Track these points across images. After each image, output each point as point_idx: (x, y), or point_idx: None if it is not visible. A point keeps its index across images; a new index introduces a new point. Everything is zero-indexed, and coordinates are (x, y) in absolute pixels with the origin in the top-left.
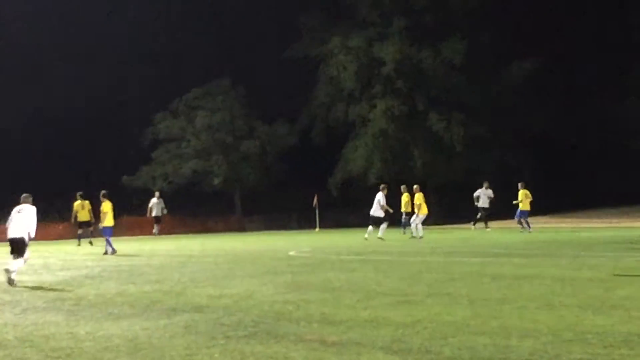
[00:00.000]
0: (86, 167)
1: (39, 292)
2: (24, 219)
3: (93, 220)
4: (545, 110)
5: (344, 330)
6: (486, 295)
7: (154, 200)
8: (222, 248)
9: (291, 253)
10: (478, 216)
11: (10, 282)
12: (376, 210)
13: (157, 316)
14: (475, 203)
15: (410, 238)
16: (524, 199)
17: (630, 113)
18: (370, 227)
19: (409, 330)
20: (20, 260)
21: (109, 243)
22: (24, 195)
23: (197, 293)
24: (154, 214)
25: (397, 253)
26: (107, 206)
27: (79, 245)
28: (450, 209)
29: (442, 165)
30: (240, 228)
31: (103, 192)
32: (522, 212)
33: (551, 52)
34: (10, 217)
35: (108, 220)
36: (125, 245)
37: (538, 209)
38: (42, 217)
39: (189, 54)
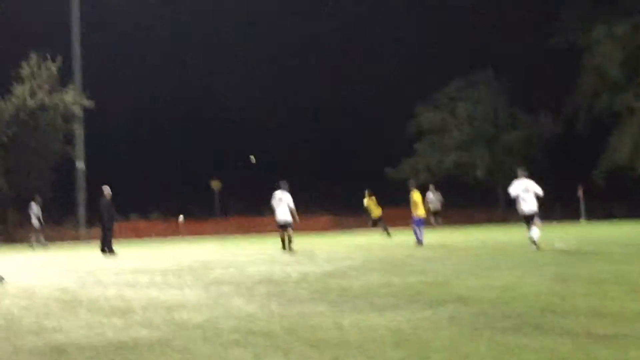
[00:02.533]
0: (351, 159)
1: (303, 284)
2: (287, 204)
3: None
4: None
5: (612, 323)
6: None
7: (430, 195)
8: (485, 240)
9: (556, 245)
10: None
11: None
12: None
13: (420, 307)
14: None
15: None
16: None
17: None
18: None
19: None
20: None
21: (415, 233)
22: (282, 181)
23: (460, 284)
24: (432, 208)
25: None
26: (417, 195)
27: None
28: None
29: None
30: (504, 219)
31: (410, 180)
32: None
33: None
34: (274, 202)
35: (420, 210)
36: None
37: None
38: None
39: (449, 46)
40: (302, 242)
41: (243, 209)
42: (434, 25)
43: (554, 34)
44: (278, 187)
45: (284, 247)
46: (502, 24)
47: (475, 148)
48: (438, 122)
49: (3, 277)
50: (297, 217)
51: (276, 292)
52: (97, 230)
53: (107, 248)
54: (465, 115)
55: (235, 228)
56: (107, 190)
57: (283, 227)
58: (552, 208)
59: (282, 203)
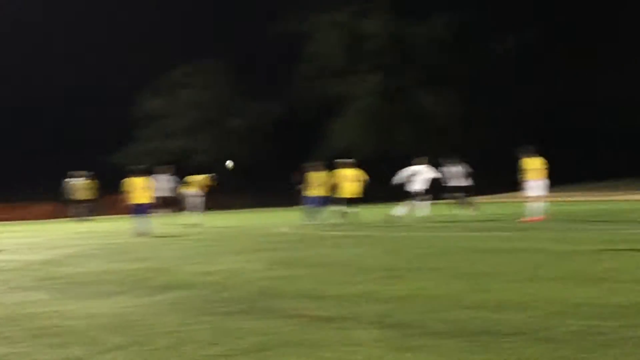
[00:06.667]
0: (67, 145)
1: (24, 272)
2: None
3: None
4: (540, 85)
5: (335, 305)
6: (473, 269)
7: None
8: (214, 225)
9: (282, 229)
10: None
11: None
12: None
13: (145, 293)
14: None
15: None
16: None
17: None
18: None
19: (400, 305)
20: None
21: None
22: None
23: (184, 271)
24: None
25: (381, 228)
26: (138, 181)
27: None
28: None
29: (430, 142)
30: (229, 206)
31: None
32: None
33: (546, 24)
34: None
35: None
36: (107, 224)
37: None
38: (27, 197)
39: (175, 31)
40: (22, 231)
41: None
42: (157, 10)
43: (276, 19)
44: None
45: None
46: (227, 10)
47: (199, 134)
48: (159, 108)
49: None
50: None
51: None
52: None
53: None
54: (189, 101)
55: None
56: None
57: None
58: (277, 194)
59: None
